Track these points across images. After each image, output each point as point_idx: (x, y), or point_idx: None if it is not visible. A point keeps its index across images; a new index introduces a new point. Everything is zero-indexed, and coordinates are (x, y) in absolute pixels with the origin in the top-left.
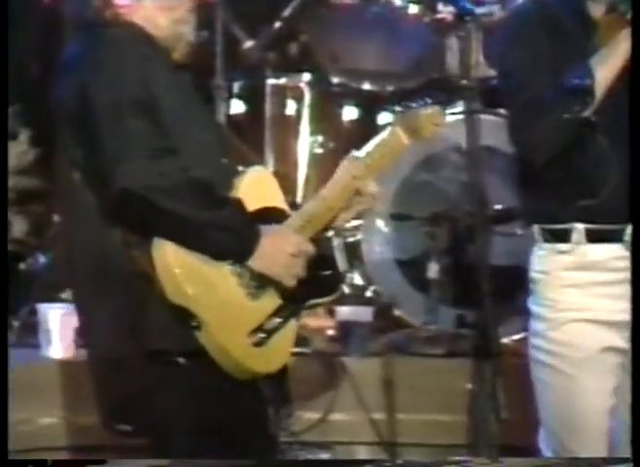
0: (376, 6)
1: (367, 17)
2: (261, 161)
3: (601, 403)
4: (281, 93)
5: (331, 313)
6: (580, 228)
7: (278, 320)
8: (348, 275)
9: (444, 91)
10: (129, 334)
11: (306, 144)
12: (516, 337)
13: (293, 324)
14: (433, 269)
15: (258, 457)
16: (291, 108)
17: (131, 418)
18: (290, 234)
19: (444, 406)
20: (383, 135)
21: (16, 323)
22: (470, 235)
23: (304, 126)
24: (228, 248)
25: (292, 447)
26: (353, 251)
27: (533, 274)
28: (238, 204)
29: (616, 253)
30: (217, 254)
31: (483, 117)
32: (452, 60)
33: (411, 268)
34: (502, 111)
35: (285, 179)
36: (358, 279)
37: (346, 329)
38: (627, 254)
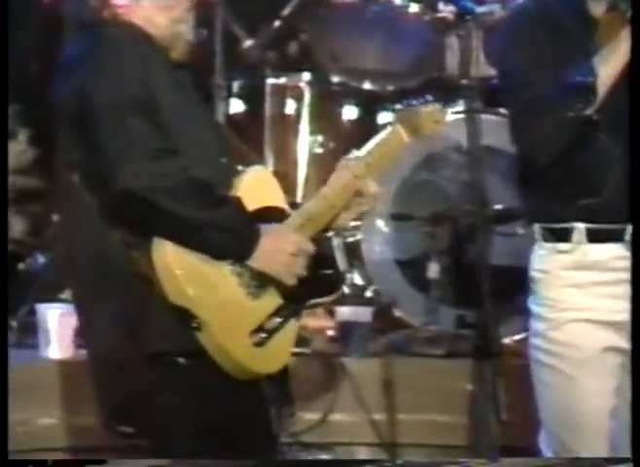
0: (377, 5)
1: (367, 17)
2: (260, 161)
3: (602, 403)
4: (281, 93)
5: (330, 314)
6: (581, 227)
7: (279, 320)
8: (348, 275)
9: (444, 91)
10: (129, 335)
11: (306, 144)
12: (517, 337)
13: (293, 324)
14: (433, 270)
15: (258, 458)
16: (291, 107)
17: (132, 420)
18: (290, 233)
19: (444, 406)
20: (384, 134)
21: (14, 323)
22: (470, 235)
23: (304, 126)
24: (227, 248)
25: (292, 448)
26: (353, 251)
27: (533, 274)
28: (238, 204)
29: (617, 253)
30: (217, 254)
31: (484, 116)
32: (453, 60)
33: (412, 268)
34: (502, 110)
35: (285, 179)
36: (358, 279)
37: (346, 329)
38: (628, 254)
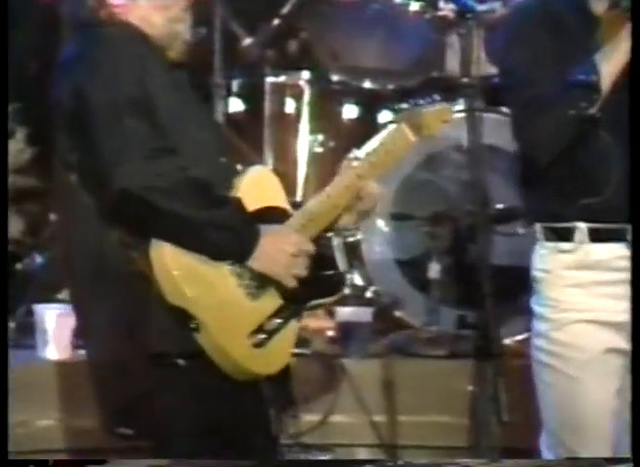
0: (377, 3)
1: (367, 15)
2: (260, 160)
3: (604, 404)
4: (280, 91)
5: (331, 314)
6: (582, 227)
7: (279, 321)
8: (348, 276)
9: (445, 90)
10: (128, 335)
11: (306, 143)
12: (519, 337)
13: (294, 325)
14: (434, 270)
15: (258, 458)
16: (290, 106)
17: (132, 421)
18: (290, 234)
19: (445, 407)
20: (388, 133)
21: (12, 324)
22: (471, 235)
23: (304, 125)
24: (227, 248)
25: (292, 449)
26: (353, 251)
27: (535, 273)
28: (237, 204)
29: (619, 252)
30: (216, 254)
31: (485, 115)
32: (453, 58)
33: (412, 268)
34: (504, 109)
35: (284, 178)
36: (358, 280)
37: (346, 330)
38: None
